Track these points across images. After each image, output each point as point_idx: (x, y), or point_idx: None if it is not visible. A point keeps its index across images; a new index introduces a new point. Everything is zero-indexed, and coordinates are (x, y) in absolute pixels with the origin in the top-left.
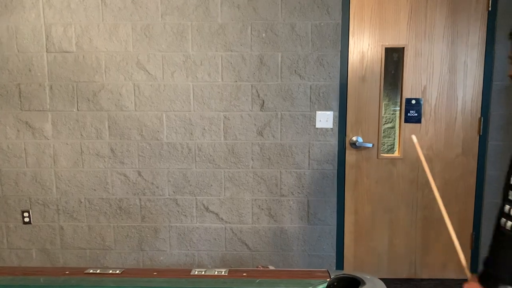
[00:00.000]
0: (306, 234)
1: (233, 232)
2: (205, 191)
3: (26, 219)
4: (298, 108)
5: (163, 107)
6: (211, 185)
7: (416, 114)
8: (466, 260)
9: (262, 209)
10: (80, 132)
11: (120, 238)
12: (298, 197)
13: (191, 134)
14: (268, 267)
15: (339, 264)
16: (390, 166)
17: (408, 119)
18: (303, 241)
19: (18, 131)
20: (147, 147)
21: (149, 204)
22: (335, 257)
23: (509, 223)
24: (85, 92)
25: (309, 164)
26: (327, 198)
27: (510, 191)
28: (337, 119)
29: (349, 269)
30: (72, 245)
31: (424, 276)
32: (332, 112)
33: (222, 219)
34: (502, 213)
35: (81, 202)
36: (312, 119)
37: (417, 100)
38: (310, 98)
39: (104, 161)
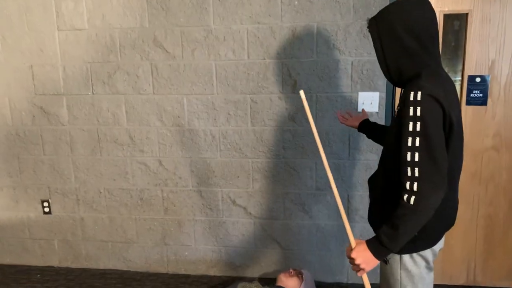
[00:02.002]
0: (345, 232)
1: (263, 228)
2: (231, 182)
3: (46, 209)
4: (337, 88)
5: (184, 90)
6: (238, 176)
7: (481, 95)
8: None
9: (295, 203)
10: (96, 117)
11: (142, 231)
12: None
13: (215, 120)
14: (301, 271)
15: None
16: None
17: (470, 101)
18: (342, 240)
19: (33, 116)
20: (168, 134)
21: (172, 196)
22: None
23: (412, 197)
24: (100, 73)
25: (349, 154)
26: None
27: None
28: (383, 102)
29: None
30: (93, 237)
31: (485, 284)
32: (378, 93)
33: (250, 213)
34: (402, 189)
35: (101, 192)
36: (354, 102)
37: (483, 77)
38: (352, 76)
39: (123, 149)
